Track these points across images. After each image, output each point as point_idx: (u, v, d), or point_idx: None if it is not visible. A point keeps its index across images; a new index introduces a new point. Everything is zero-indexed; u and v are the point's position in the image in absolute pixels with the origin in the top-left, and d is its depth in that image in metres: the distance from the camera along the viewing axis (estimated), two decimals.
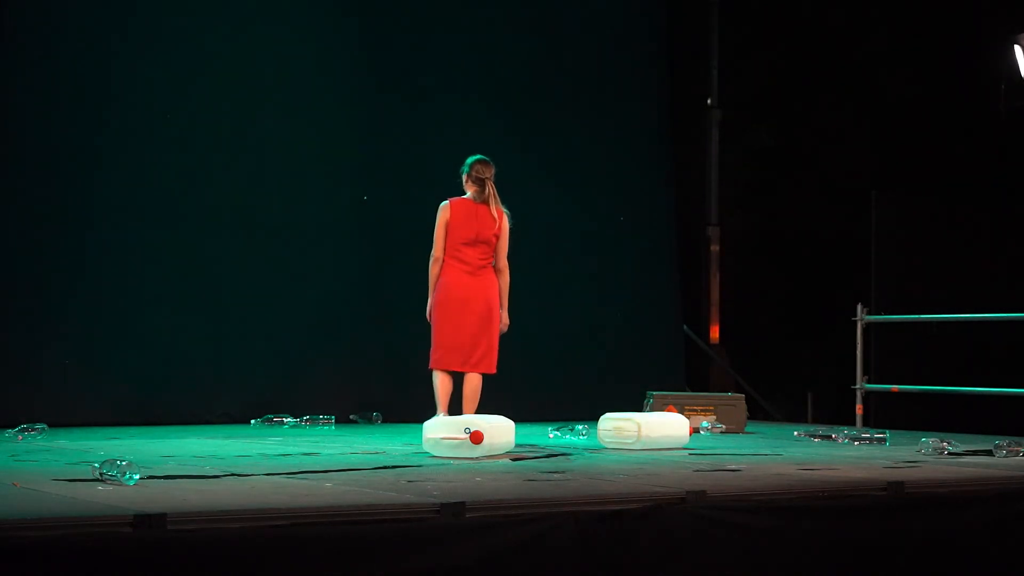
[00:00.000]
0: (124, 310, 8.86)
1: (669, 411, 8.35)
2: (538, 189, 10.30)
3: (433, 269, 7.58)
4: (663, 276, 11.23)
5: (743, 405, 9.19)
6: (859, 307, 10.19)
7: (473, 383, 7.54)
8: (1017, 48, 10.37)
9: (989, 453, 6.78)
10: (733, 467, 5.84)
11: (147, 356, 8.90)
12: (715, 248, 12.05)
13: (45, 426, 7.27)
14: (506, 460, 6.13)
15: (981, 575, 5.09)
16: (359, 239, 9.77)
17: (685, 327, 11.49)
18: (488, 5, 10.48)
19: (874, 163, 11.43)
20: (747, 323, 12.07)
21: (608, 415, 7.12)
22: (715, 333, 11.97)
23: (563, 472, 5.47)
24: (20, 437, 7.07)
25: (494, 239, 7.58)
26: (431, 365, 7.57)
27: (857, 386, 10.12)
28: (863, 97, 11.63)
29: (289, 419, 8.67)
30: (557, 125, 10.66)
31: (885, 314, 10.24)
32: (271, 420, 8.66)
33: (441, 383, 7.54)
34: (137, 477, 4.57)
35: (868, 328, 10.29)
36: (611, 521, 4.29)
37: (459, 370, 7.55)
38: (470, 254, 7.55)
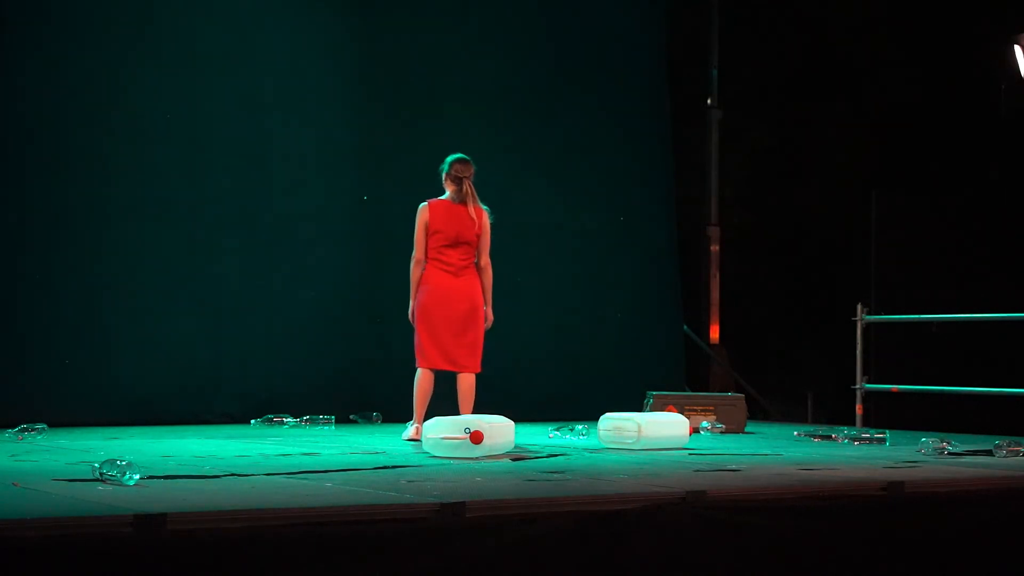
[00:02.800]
0: (124, 310, 8.86)
1: (669, 411, 8.35)
2: (538, 189, 10.32)
3: (415, 272, 7.54)
4: (663, 276, 11.23)
5: (743, 405, 9.18)
6: (859, 307, 10.19)
7: (467, 382, 7.53)
8: (1017, 48, 10.37)
9: (989, 453, 6.78)
10: (733, 467, 5.83)
11: (147, 356, 8.90)
12: (715, 248, 12.05)
13: (45, 426, 7.27)
14: (506, 460, 6.12)
15: (981, 575, 5.09)
16: (358, 239, 9.78)
17: (685, 327, 11.49)
18: (488, 6, 10.48)
19: (874, 163, 11.43)
20: (747, 323, 12.07)
21: (608, 415, 7.11)
22: (715, 333, 11.97)
23: (563, 472, 5.47)
24: (20, 437, 7.07)
25: (475, 239, 7.55)
26: (418, 364, 7.56)
27: (857, 386, 10.11)
28: (863, 97, 11.63)
29: (289, 419, 8.67)
30: (557, 125, 10.66)
31: (885, 314, 10.24)
32: (271, 420, 8.66)
33: (423, 383, 7.50)
34: (137, 477, 4.57)
35: (868, 328, 10.29)
36: (611, 521, 4.29)
37: (446, 369, 7.55)
38: (452, 255, 7.52)
